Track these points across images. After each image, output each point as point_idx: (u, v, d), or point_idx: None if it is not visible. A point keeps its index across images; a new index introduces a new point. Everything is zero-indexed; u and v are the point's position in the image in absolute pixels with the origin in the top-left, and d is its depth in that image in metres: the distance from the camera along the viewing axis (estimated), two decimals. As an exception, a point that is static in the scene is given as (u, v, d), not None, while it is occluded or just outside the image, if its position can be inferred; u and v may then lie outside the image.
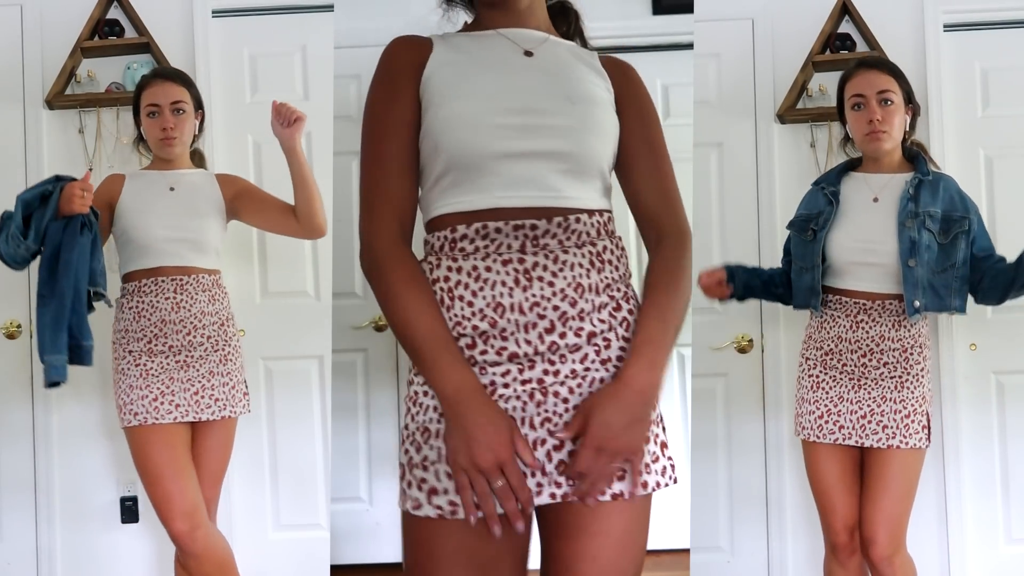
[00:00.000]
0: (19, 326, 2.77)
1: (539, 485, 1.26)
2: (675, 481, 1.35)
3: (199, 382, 2.32)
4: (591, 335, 1.30)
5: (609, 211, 1.40)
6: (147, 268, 2.33)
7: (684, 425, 3.26)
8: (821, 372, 2.24)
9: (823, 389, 2.23)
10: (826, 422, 2.22)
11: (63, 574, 2.80)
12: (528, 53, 1.40)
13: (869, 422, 2.17)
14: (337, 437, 2.93)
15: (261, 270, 2.86)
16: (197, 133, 2.50)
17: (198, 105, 2.47)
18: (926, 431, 2.19)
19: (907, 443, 2.15)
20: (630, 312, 1.34)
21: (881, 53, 2.71)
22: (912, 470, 2.19)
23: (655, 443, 1.33)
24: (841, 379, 2.21)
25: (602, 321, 1.31)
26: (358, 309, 3.17)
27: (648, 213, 1.42)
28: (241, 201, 2.47)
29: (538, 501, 1.25)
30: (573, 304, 1.29)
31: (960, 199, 2.20)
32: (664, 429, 1.37)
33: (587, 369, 1.29)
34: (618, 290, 1.35)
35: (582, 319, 1.30)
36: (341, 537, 3.10)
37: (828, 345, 2.23)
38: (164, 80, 2.42)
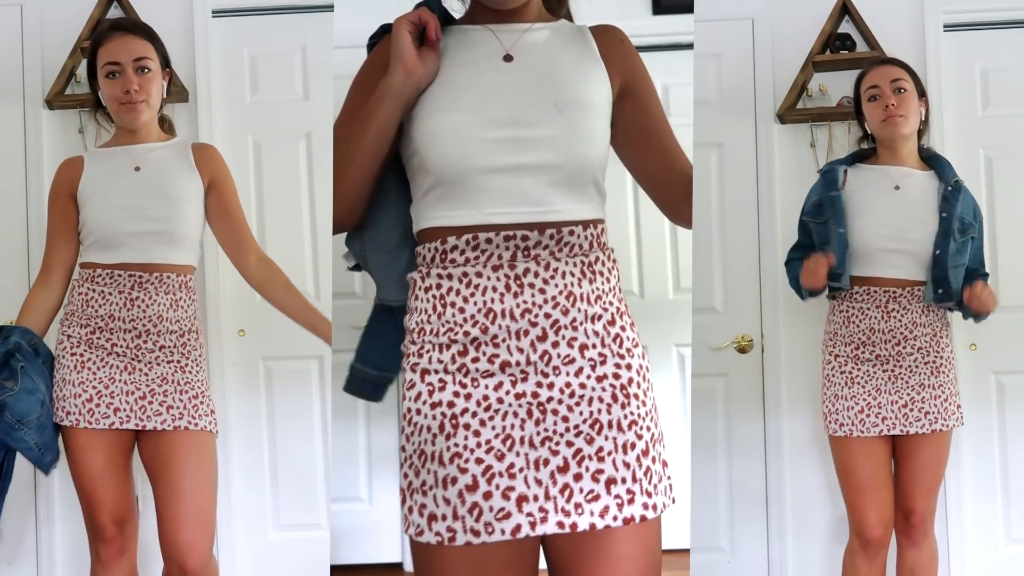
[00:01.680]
0: (19, 326, 2.77)
1: (543, 511, 1.22)
2: (673, 501, 1.34)
3: (147, 386, 2.07)
4: (583, 347, 1.28)
5: (602, 221, 1.37)
6: (107, 263, 2.09)
7: (684, 425, 3.26)
8: (854, 367, 2.26)
9: (859, 383, 2.25)
10: (867, 416, 2.23)
11: (63, 574, 2.80)
12: (508, 58, 1.35)
13: (911, 410, 2.22)
14: (337, 437, 2.92)
15: (261, 270, 2.85)
16: (165, 96, 2.18)
17: (165, 63, 2.16)
18: (960, 410, 2.28)
19: (947, 425, 2.23)
20: (622, 329, 1.32)
21: (881, 53, 2.71)
22: (947, 446, 2.29)
23: (659, 462, 1.31)
24: (875, 371, 2.24)
25: (596, 333, 1.29)
26: (358, 309, 3.17)
27: (677, 181, 1.40)
28: (209, 193, 2.19)
29: (543, 529, 1.22)
30: (565, 312, 1.28)
31: (975, 207, 2.30)
32: (664, 447, 1.35)
33: (582, 385, 1.27)
34: (610, 303, 1.33)
35: (575, 328, 1.28)
36: (341, 537, 3.10)
37: (859, 338, 2.25)
38: (124, 33, 2.09)
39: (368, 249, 1.44)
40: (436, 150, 1.29)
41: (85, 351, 2.09)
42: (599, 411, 1.27)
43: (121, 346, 2.09)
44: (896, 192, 2.25)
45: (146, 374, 2.09)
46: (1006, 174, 2.78)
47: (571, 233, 1.30)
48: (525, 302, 1.27)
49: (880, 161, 2.31)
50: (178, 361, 2.11)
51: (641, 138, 1.41)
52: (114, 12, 2.79)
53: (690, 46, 2.90)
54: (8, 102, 2.79)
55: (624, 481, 1.25)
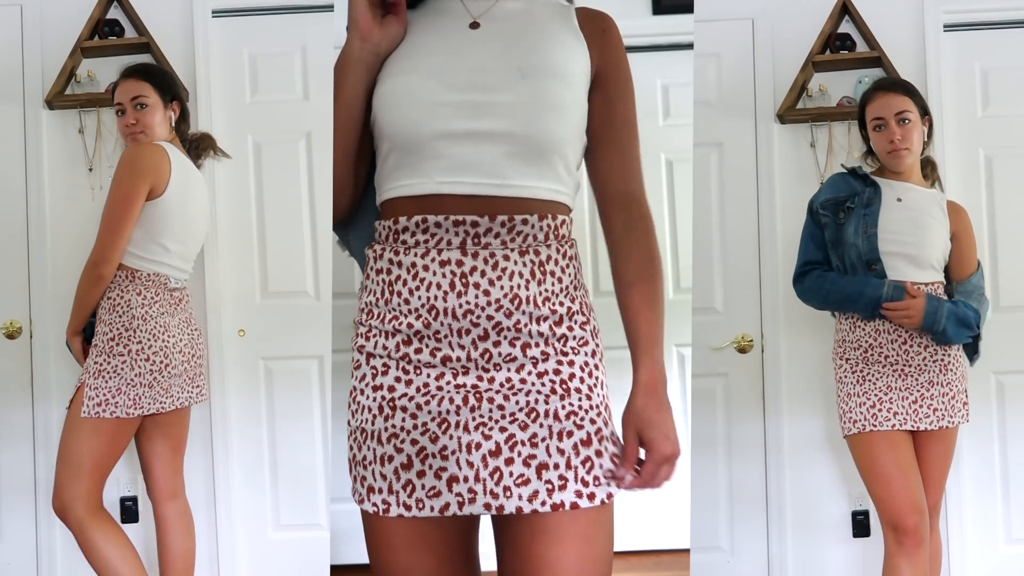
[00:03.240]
0: (19, 327, 2.77)
1: (472, 492, 1.24)
2: (610, 497, 1.29)
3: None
4: (525, 346, 1.27)
5: (565, 209, 1.32)
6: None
7: (684, 425, 3.26)
8: (864, 368, 2.29)
9: (870, 381, 2.27)
10: (879, 411, 2.25)
11: (63, 574, 2.80)
12: (474, 25, 1.32)
13: (920, 406, 2.25)
14: (337, 437, 2.92)
15: (261, 270, 2.86)
16: (173, 124, 2.44)
17: (171, 97, 2.43)
18: (966, 407, 2.31)
19: (953, 422, 2.28)
20: (570, 328, 1.29)
21: (881, 53, 2.71)
22: (953, 443, 2.34)
23: (605, 456, 1.27)
24: (885, 371, 2.27)
25: (540, 334, 1.27)
26: (358, 309, 3.17)
27: (618, 198, 1.35)
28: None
29: (470, 510, 1.24)
30: (508, 315, 1.25)
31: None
32: (616, 446, 1.31)
33: (523, 380, 1.26)
34: (560, 304, 1.29)
35: (518, 330, 1.26)
36: (341, 537, 3.09)
37: (867, 341, 2.28)
38: (126, 79, 2.41)
39: (352, 238, 1.44)
40: (390, 113, 1.27)
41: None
42: (536, 401, 1.26)
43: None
44: (898, 203, 2.30)
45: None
46: (1006, 174, 2.78)
47: (524, 222, 1.25)
48: (468, 303, 1.25)
49: (884, 175, 2.35)
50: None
51: (595, 136, 1.35)
52: (114, 12, 2.79)
53: (690, 46, 2.90)
54: (8, 102, 2.79)
55: (556, 467, 1.24)
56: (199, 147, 2.51)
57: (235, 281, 2.83)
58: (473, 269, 1.25)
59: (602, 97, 1.35)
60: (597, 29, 1.36)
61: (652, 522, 3.28)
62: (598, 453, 1.26)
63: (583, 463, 1.25)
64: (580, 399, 1.27)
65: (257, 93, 2.87)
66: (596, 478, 1.26)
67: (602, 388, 1.32)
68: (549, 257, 1.28)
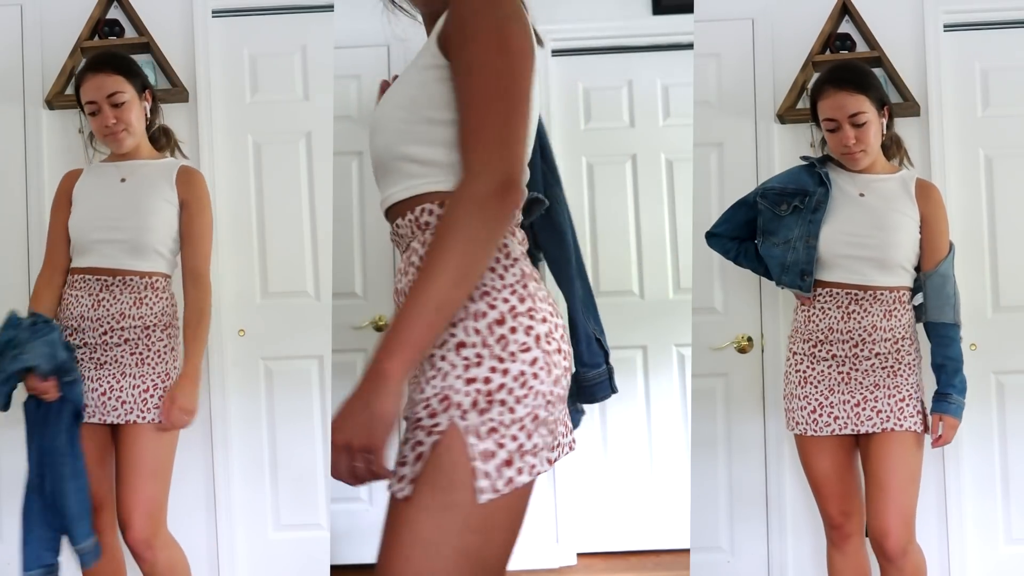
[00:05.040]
0: (19, 326, 2.77)
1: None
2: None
3: (107, 382, 2.24)
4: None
5: (428, 197, 1.29)
6: (81, 267, 2.29)
7: (684, 425, 3.26)
8: (809, 367, 2.26)
9: (811, 383, 2.25)
10: (820, 416, 2.24)
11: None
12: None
13: (863, 409, 2.20)
14: (337, 437, 2.92)
15: (261, 270, 2.86)
16: (149, 116, 2.39)
17: (143, 87, 2.35)
18: (921, 416, 2.21)
19: (901, 425, 2.17)
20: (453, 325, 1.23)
21: (881, 53, 2.71)
22: (912, 456, 2.20)
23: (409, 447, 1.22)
24: (830, 371, 2.23)
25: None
26: (358, 309, 3.17)
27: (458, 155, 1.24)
28: (182, 211, 2.35)
29: None
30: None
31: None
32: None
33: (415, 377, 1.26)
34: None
35: None
36: (341, 537, 3.09)
37: (817, 336, 2.25)
38: (96, 73, 2.29)
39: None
40: None
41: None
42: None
43: (91, 343, 2.25)
44: (860, 199, 2.25)
45: (110, 370, 2.25)
46: (1006, 174, 2.78)
47: (399, 224, 1.36)
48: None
49: (847, 167, 2.31)
50: (140, 353, 2.27)
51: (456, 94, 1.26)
52: (114, 12, 2.79)
53: (690, 46, 2.90)
54: (8, 102, 2.79)
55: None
56: (160, 140, 2.47)
57: (235, 281, 2.83)
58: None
59: (455, 67, 1.26)
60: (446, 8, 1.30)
61: (652, 522, 3.28)
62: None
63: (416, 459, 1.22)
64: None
65: (257, 93, 2.87)
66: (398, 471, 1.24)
67: (443, 379, 1.23)
68: (415, 250, 1.33)
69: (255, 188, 2.85)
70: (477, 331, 1.23)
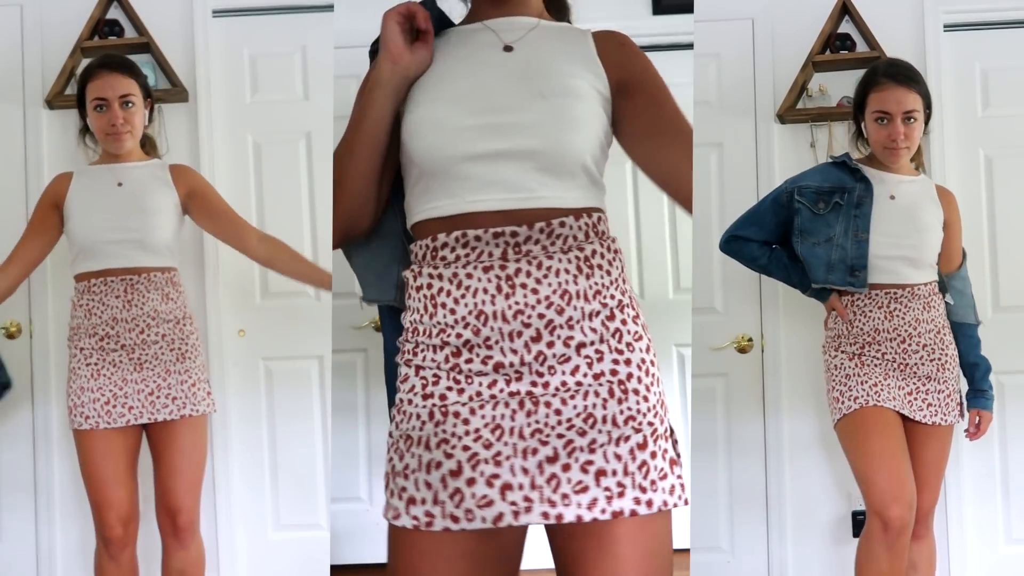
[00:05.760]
0: (19, 326, 2.77)
1: (527, 500, 1.19)
2: (685, 502, 1.26)
3: (154, 381, 2.28)
4: (580, 345, 1.25)
5: (598, 210, 1.33)
6: (95, 271, 2.30)
7: (684, 425, 3.26)
8: (858, 366, 2.25)
9: (868, 367, 2.25)
10: (881, 390, 2.22)
11: (63, 574, 2.79)
12: (508, 48, 1.35)
13: (915, 399, 2.25)
14: (337, 437, 2.93)
15: (261, 270, 2.85)
16: (147, 123, 2.43)
17: (147, 94, 2.39)
18: (960, 407, 2.32)
19: (946, 420, 2.28)
20: (623, 323, 1.28)
21: (881, 53, 2.71)
22: (948, 444, 2.33)
23: (663, 458, 1.26)
24: (882, 365, 2.25)
25: (593, 330, 1.25)
26: (358, 309, 3.17)
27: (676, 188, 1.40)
28: (193, 201, 2.40)
29: (526, 519, 1.19)
30: (560, 312, 1.24)
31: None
32: (676, 443, 1.30)
33: (579, 383, 1.24)
34: (611, 297, 1.28)
35: (571, 327, 1.25)
36: (341, 537, 3.09)
37: (864, 338, 2.26)
38: (111, 71, 2.32)
39: (350, 248, 1.45)
40: (418, 141, 1.29)
41: (98, 359, 2.28)
42: (594, 406, 1.23)
43: (129, 344, 2.28)
44: (892, 202, 2.25)
45: (153, 369, 2.28)
46: (1006, 174, 2.78)
47: (562, 224, 1.26)
48: (517, 303, 1.24)
49: (877, 165, 2.29)
50: (178, 348, 2.32)
51: (648, 137, 1.39)
52: (114, 12, 2.79)
53: (690, 46, 2.90)
54: (8, 102, 2.79)
55: (615, 474, 1.21)
56: (146, 146, 2.49)
57: (235, 281, 2.83)
58: (518, 271, 1.25)
59: (644, 100, 1.38)
60: (614, 45, 1.40)
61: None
62: (653, 455, 1.24)
63: (640, 468, 1.23)
64: (638, 401, 1.25)
65: (257, 93, 2.87)
66: (652, 483, 1.22)
67: (659, 384, 1.30)
68: (594, 251, 1.29)
69: (255, 188, 2.85)
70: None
